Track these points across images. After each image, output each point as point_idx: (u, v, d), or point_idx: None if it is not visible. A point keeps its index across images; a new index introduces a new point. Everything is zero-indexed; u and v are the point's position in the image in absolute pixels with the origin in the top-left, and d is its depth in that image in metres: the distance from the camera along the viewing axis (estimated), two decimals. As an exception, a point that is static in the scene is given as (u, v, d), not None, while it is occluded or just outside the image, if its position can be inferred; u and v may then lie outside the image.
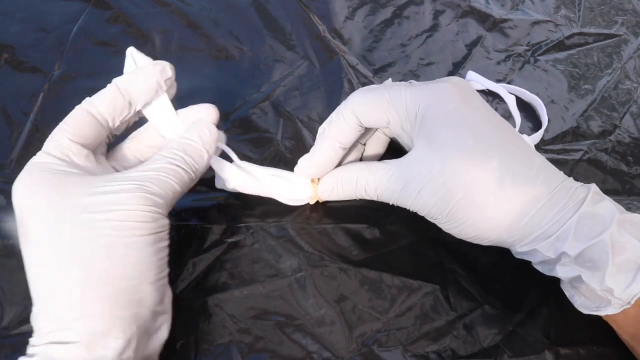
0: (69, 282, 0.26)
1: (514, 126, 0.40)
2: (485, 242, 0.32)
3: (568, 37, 0.50)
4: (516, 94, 0.46)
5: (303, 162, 0.35)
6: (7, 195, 0.37)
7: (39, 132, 0.41)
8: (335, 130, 0.33)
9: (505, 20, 0.51)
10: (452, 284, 0.36)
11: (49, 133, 0.41)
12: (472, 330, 0.34)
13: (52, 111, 0.42)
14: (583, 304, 0.30)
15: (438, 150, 0.30)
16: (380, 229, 0.38)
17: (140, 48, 0.46)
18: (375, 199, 0.34)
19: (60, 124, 0.31)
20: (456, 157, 0.29)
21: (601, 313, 0.29)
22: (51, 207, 0.27)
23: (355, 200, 0.38)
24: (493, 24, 0.51)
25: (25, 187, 0.28)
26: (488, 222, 0.30)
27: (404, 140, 0.36)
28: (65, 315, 0.26)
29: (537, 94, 0.46)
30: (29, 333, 0.27)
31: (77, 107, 0.31)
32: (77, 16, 0.48)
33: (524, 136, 0.41)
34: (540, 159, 0.31)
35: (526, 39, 0.50)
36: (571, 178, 0.31)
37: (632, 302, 0.28)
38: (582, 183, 0.31)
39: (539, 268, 0.32)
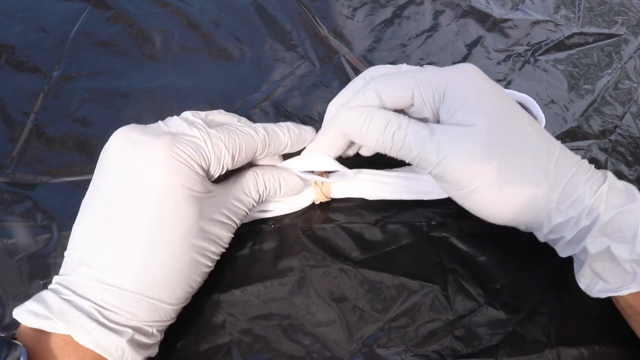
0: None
1: None
2: (519, 220, 0.32)
3: (568, 37, 0.50)
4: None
5: (317, 142, 0.35)
6: (8, 195, 0.38)
7: (39, 132, 0.41)
8: (355, 103, 0.33)
9: (505, 20, 0.51)
10: (452, 284, 0.36)
11: (49, 133, 0.41)
12: (473, 330, 0.34)
13: (52, 111, 0.42)
14: (602, 288, 0.30)
15: (473, 116, 0.30)
16: (380, 229, 0.38)
17: (140, 48, 0.46)
18: (395, 153, 0.32)
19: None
20: (494, 123, 0.30)
21: (624, 292, 0.29)
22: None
23: (355, 200, 0.38)
24: (493, 24, 0.51)
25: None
26: (527, 191, 0.30)
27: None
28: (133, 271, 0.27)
29: (537, 94, 0.46)
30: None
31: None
32: (77, 16, 0.48)
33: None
34: (557, 147, 0.32)
35: (526, 39, 0.50)
36: (592, 166, 0.32)
37: None
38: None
39: (561, 250, 0.32)
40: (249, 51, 0.47)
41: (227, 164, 0.31)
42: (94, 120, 0.42)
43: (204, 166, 0.30)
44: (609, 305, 0.34)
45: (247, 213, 0.33)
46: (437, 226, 0.38)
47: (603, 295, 0.30)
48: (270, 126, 0.33)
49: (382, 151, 0.32)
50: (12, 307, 0.33)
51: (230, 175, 0.33)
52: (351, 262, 0.36)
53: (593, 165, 0.31)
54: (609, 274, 0.30)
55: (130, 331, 0.27)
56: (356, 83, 0.35)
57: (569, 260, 0.33)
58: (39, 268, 0.35)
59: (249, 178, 0.33)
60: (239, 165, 0.32)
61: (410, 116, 0.33)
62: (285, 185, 0.35)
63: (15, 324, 0.33)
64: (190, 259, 0.29)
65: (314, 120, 0.43)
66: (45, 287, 0.34)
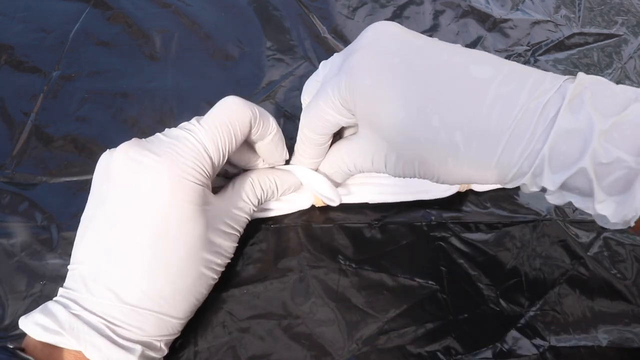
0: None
1: None
2: (469, 183, 0.30)
3: (568, 37, 0.50)
4: None
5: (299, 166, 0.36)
6: (8, 195, 0.38)
7: (39, 132, 0.41)
8: (303, 148, 0.34)
9: (506, 20, 0.51)
10: (452, 284, 0.36)
11: (49, 133, 0.41)
12: (472, 330, 0.34)
13: (52, 111, 0.42)
14: (596, 217, 0.26)
15: (377, 131, 0.29)
16: (380, 229, 0.38)
17: (140, 48, 0.46)
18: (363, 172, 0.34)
19: None
20: (395, 133, 0.28)
21: (611, 227, 0.25)
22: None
23: (355, 200, 0.38)
24: (493, 24, 0.51)
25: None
26: (458, 177, 0.28)
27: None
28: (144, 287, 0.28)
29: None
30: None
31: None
32: (77, 16, 0.48)
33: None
34: (495, 80, 0.25)
35: (526, 39, 0.50)
36: (546, 75, 0.26)
37: (632, 224, 0.24)
38: (562, 77, 0.26)
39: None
40: (249, 51, 0.47)
41: (229, 148, 0.31)
42: (94, 120, 0.42)
43: (207, 169, 0.30)
44: (608, 305, 0.34)
45: (248, 219, 0.34)
46: (437, 226, 0.38)
47: (600, 224, 0.26)
48: (259, 107, 0.33)
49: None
50: (12, 308, 0.33)
51: (227, 184, 0.34)
52: (351, 262, 0.36)
53: (542, 103, 0.24)
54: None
55: (139, 347, 0.27)
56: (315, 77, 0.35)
57: (569, 260, 0.33)
58: (39, 268, 0.35)
59: (246, 185, 0.34)
60: (239, 144, 0.32)
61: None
62: (281, 184, 0.35)
63: (15, 325, 0.33)
64: (198, 273, 0.29)
65: (314, 120, 0.43)
66: (44, 287, 0.34)
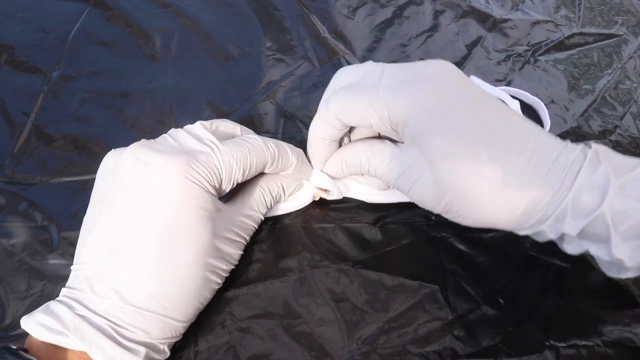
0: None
1: None
2: (486, 227, 0.31)
3: (568, 37, 0.50)
4: (518, 97, 0.46)
5: (314, 166, 0.36)
6: (8, 194, 0.38)
7: (39, 132, 0.41)
8: (320, 130, 0.33)
9: (506, 20, 0.51)
10: (452, 284, 0.36)
11: (49, 133, 0.41)
12: (472, 330, 0.34)
13: (52, 111, 0.42)
14: (606, 267, 0.29)
15: (425, 152, 0.30)
16: (380, 229, 0.38)
17: (140, 48, 0.46)
18: (378, 178, 0.34)
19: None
20: (443, 159, 0.29)
21: (622, 276, 0.29)
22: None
23: (355, 200, 0.38)
24: (493, 24, 0.51)
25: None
26: (484, 216, 0.29)
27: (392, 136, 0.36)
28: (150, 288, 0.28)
29: (537, 94, 0.46)
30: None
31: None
32: (77, 16, 0.48)
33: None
34: (534, 135, 0.29)
35: (526, 39, 0.50)
36: (568, 142, 0.29)
37: None
38: (583, 144, 0.29)
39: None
40: (249, 51, 0.47)
41: (238, 179, 0.31)
42: (94, 120, 0.42)
43: (216, 185, 0.30)
44: (608, 305, 0.34)
45: (255, 228, 0.34)
46: (437, 226, 0.38)
47: (609, 275, 0.29)
48: (280, 142, 0.34)
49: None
50: (12, 308, 0.33)
51: (237, 191, 0.34)
52: (351, 262, 0.36)
53: (572, 158, 0.28)
54: (604, 265, 0.29)
55: (144, 349, 0.27)
56: (327, 93, 0.35)
57: (569, 260, 0.33)
58: (39, 268, 0.35)
59: (256, 194, 0.34)
60: (248, 178, 0.33)
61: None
62: (288, 187, 0.36)
63: (15, 325, 0.33)
64: (203, 277, 0.29)
65: (314, 120, 0.43)
66: (45, 287, 0.34)
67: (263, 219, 0.35)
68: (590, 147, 0.29)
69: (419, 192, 0.31)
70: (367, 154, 0.33)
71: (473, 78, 0.45)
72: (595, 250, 0.28)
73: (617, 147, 0.44)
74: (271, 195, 0.34)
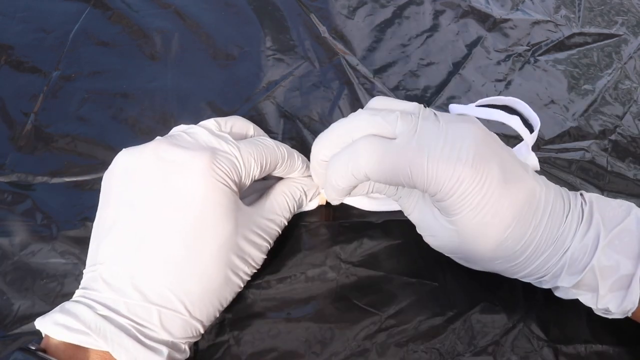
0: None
1: (527, 145, 0.38)
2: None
3: (568, 37, 0.50)
4: (508, 104, 0.44)
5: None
6: (8, 194, 0.38)
7: (39, 132, 0.41)
8: (342, 181, 0.31)
9: (506, 20, 0.51)
10: (452, 282, 0.36)
11: (49, 133, 0.41)
12: (472, 328, 0.34)
13: (52, 111, 0.42)
14: (593, 305, 0.31)
15: (456, 221, 0.29)
16: (381, 227, 0.38)
17: (140, 48, 0.46)
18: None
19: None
20: (473, 228, 0.29)
21: (609, 317, 0.30)
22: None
23: (355, 204, 0.38)
24: (493, 24, 0.51)
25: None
26: (492, 273, 0.32)
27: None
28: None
29: (537, 94, 0.46)
30: (36, 332, 0.27)
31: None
32: (77, 16, 0.48)
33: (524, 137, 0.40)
34: (549, 205, 0.30)
35: (526, 39, 0.50)
36: (567, 193, 0.31)
37: (630, 314, 0.30)
38: (577, 195, 0.31)
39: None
40: (249, 51, 0.47)
41: (256, 176, 0.32)
42: (94, 120, 0.42)
43: (237, 181, 0.30)
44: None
45: (279, 232, 0.34)
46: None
47: (597, 312, 0.31)
48: (286, 146, 0.34)
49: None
50: (13, 307, 0.33)
51: (259, 196, 0.34)
52: (351, 260, 0.36)
53: (573, 220, 0.30)
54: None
55: (166, 349, 0.27)
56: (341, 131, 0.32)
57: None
58: (39, 267, 0.35)
59: (279, 199, 0.34)
60: (264, 175, 0.33)
61: None
62: (309, 191, 0.36)
63: (15, 324, 0.33)
64: (225, 276, 0.29)
65: (314, 121, 0.43)
66: (45, 286, 0.34)
67: (286, 223, 0.34)
68: (584, 198, 0.31)
69: (438, 243, 0.33)
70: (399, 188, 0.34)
71: (453, 107, 0.39)
72: (585, 300, 0.30)
73: (617, 147, 0.44)
74: (294, 199, 0.35)
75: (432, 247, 0.33)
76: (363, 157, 0.29)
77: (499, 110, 0.42)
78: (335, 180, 0.31)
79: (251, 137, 0.35)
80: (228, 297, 0.31)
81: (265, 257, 0.32)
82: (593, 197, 0.31)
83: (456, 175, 0.28)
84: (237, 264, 0.30)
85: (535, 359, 0.33)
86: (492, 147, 0.29)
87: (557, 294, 0.32)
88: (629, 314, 0.30)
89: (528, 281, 0.32)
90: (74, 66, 0.45)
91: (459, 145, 0.28)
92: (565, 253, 0.29)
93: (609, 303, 0.29)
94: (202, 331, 0.30)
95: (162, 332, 0.27)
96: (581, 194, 0.31)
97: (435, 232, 0.32)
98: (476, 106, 0.39)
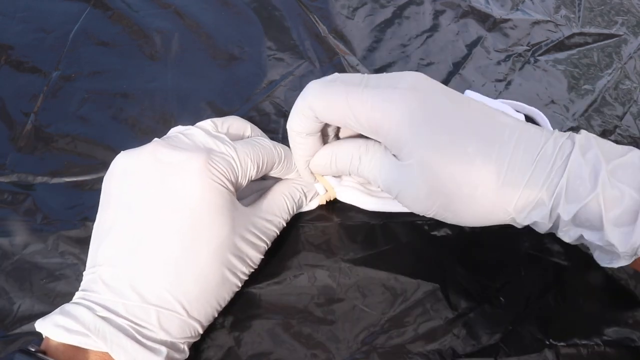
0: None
1: None
2: (484, 224, 0.31)
3: (568, 37, 0.50)
4: (516, 109, 0.44)
5: (298, 166, 0.35)
6: (8, 194, 0.38)
7: (39, 132, 0.41)
8: (296, 122, 0.32)
9: (506, 21, 0.51)
10: (452, 282, 0.36)
11: (49, 133, 0.41)
12: (472, 329, 0.34)
13: (52, 111, 0.42)
14: (599, 257, 0.30)
15: (411, 155, 0.29)
16: (381, 228, 0.38)
17: (140, 48, 0.46)
18: (366, 179, 0.33)
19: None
20: (432, 161, 0.28)
21: (614, 265, 0.29)
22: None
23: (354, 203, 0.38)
24: (493, 24, 0.51)
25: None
26: (480, 213, 0.29)
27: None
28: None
29: (537, 94, 0.46)
30: (36, 332, 0.27)
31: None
32: (78, 16, 0.48)
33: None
34: (519, 127, 0.29)
35: (526, 39, 0.50)
36: (556, 131, 0.29)
37: (639, 253, 0.27)
38: (569, 133, 0.29)
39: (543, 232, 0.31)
40: (249, 51, 0.47)
41: (252, 177, 0.32)
42: (94, 120, 0.42)
43: (233, 181, 0.30)
44: (608, 304, 0.34)
45: (277, 233, 0.34)
46: (437, 225, 0.38)
47: (602, 264, 0.29)
48: (284, 146, 0.35)
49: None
50: (12, 307, 0.33)
51: (258, 197, 0.34)
52: (351, 261, 0.36)
53: (560, 142, 0.28)
54: (598, 247, 0.29)
55: (165, 350, 0.27)
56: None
57: (568, 259, 0.33)
58: (39, 268, 0.35)
59: (278, 200, 0.34)
60: (260, 176, 0.33)
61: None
62: (308, 192, 0.36)
63: (15, 324, 0.33)
64: (222, 276, 0.29)
65: (314, 120, 0.43)
66: (44, 287, 0.34)
67: (285, 224, 0.35)
68: (578, 132, 0.29)
69: (409, 196, 0.30)
70: (359, 151, 0.32)
71: (469, 92, 0.42)
72: (589, 236, 0.28)
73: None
74: (293, 199, 0.35)
75: (409, 209, 0.31)
76: (309, 91, 0.31)
77: (508, 107, 0.42)
78: (290, 125, 0.32)
79: (248, 137, 0.35)
80: (226, 296, 0.31)
81: (262, 257, 0.32)
82: (591, 135, 0.29)
83: (393, 97, 0.29)
84: (235, 264, 0.30)
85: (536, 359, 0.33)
86: (434, 83, 0.31)
87: (561, 235, 0.30)
88: (638, 253, 0.27)
89: (527, 224, 0.29)
90: (74, 66, 0.45)
91: (398, 77, 0.30)
92: (560, 177, 0.27)
93: (614, 238, 0.27)
94: (200, 331, 0.30)
95: (161, 332, 0.27)
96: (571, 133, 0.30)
97: (403, 186, 0.30)
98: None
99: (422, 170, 0.29)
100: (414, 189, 0.30)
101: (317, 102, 0.31)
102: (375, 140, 0.33)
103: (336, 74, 0.33)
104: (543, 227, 0.29)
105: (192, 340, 0.30)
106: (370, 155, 0.32)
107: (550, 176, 0.28)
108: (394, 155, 0.31)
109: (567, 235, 0.29)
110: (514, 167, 0.28)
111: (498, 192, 0.28)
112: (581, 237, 0.28)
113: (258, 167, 0.32)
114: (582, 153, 0.28)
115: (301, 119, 0.32)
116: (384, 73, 0.32)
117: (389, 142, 0.30)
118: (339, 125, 0.33)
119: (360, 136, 0.33)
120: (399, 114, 0.29)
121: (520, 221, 0.29)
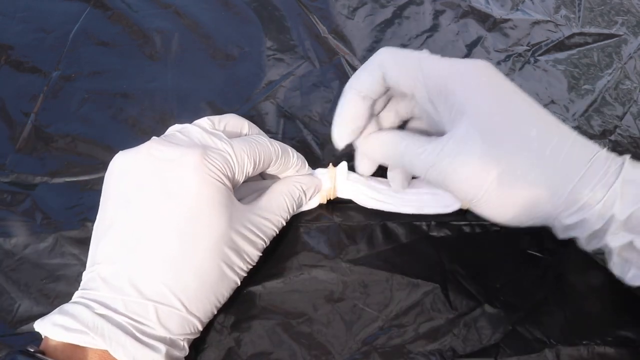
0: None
1: None
2: (528, 222, 0.31)
3: (568, 37, 0.50)
4: None
5: (336, 128, 0.34)
6: (8, 194, 0.38)
7: (39, 132, 0.41)
8: (359, 80, 0.33)
9: (506, 21, 0.51)
10: (452, 282, 0.36)
11: (49, 133, 0.41)
12: (472, 329, 0.34)
13: (52, 111, 0.42)
14: (635, 276, 0.30)
15: (475, 123, 0.29)
16: (381, 228, 0.38)
17: (140, 48, 0.46)
18: (409, 167, 0.33)
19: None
20: (495, 128, 0.29)
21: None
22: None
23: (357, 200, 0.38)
24: (493, 24, 0.51)
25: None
26: (531, 196, 0.29)
27: (419, 124, 0.36)
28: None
29: (537, 94, 0.46)
30: (36, 332, 0.27)
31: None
32: (77, 16, 0.48)
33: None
34: (574, 132, 0.30)
35: (526, 39, 0.50)
36: (605, 148, 0.30)
37: None
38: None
39: (584, 245, 0.31)
40: (249, 51, 0.47)
41: (249, 173, 0.32)
42: (94, 120, 0.42)
43: (230, 176, 0.31)
44: (609, 304, 0.34)
45: (276, 232, 0.34)
46: (437, 226, 0.38)
47: (638, 284, 0.30)
48: (281, 143, 0.35)
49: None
50: (12, 307, 0.33)
51: (257, 196, 0.34)
52: (351, 262, 0.36)
53: (611, 155, 0.29)
54: (635, 269, 0.29)
55: (164, 347, 0.27)
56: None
57: (569, 259, 0.33)
58: (39, 268, 0.35)
59: (277, 198, 0.34)
60: (257, 173, 0.33)
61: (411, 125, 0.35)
62: (308, 190, 0.36)
63: (15, 324, 0.33)
64: (220, 271, 0.29)
65: (314, 121, 0.43)
66: (45, 287, 0.34)
67: (284, 223, 0.34)
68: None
69: (464, 172, 0.30)
70: (405, 140, 0.32)
71: None
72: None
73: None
74: (292, 198, 0.35)
75: (459, 191, 0.31)
76: (382, 50, 0.32)
77: None
78: (350, 83, 0.33)
79: (246, 134, 0.35)
80: (224, 293, 0.31)
81: (260, 254, 0.32)
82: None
83: (468, 66, 0.31)
84: (232, 259, 0.30)
85: None
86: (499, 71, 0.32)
87: (608, 240, 0.29)
88: None
89: (573, 221, 0.29)
90: (74, 66, 0.45)
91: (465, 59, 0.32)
92: (615, 178, 0.28)
93: None
94: (200, 328, 0.30)
95: (160, 329, 0.27)
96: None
97: (460, 158, 0.30)
98: None
99: (484, 138, 0.29)
100: (471, 158, 0.29)
101: (389, 59, 0.32)
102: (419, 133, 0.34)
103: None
104: (590, 228, 0.29)
105: (192, 337, 0.30)
106: (417, 143, 0.32)
107: (605, 177, 0.28)
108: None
109: (615, 240, 0.29)
110: (568, 161, 0.29)
111: (550, 182, 0.29)
112: (630, 244, 0.28)
113: (255, 164, 0.32)
114: (633, 167, 0.29)
115: (366, 77, 0.32)
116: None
117: (450, 107, 0.30)
118: (403, 90, 0.33)
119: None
120: (473, 80, 0.30)
121: (567, 217, 0.29)
